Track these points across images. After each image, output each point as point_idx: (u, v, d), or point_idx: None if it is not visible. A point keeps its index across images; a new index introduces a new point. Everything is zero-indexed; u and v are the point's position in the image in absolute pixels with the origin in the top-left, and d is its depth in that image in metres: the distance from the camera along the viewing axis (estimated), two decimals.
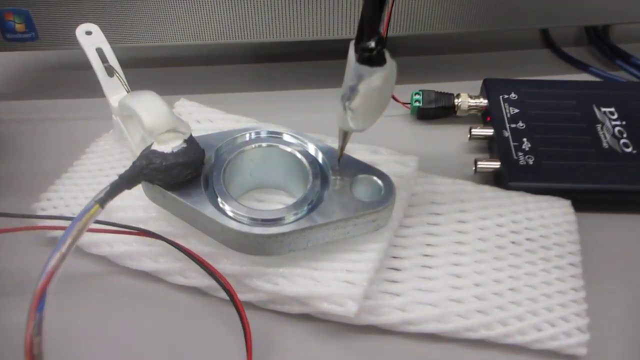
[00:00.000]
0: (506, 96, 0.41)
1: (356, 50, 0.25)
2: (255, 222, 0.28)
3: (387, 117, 0.44)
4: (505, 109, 0.40)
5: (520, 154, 0.37)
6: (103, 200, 0.25)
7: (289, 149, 0.32)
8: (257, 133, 0.32)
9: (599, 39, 0.51)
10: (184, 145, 0.29)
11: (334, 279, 0.29)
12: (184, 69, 0.50)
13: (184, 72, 0.49)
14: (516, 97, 0.41)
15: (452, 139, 0.42)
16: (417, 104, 0.42)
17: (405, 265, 0.31)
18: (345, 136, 0.29)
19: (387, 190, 0.30)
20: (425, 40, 0.52)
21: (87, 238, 0.33)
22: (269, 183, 0.34)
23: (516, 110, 0.40)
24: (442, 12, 0.43)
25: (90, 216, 0.25)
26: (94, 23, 0.35)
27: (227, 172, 0.31)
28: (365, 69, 0.25)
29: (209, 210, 0.28)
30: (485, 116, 0.42)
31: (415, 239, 0.32)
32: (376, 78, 0.25)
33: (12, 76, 0.49)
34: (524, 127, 0.39)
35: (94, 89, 0.35)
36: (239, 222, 0.28)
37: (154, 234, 0.30)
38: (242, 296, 0.30)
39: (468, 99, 0.42)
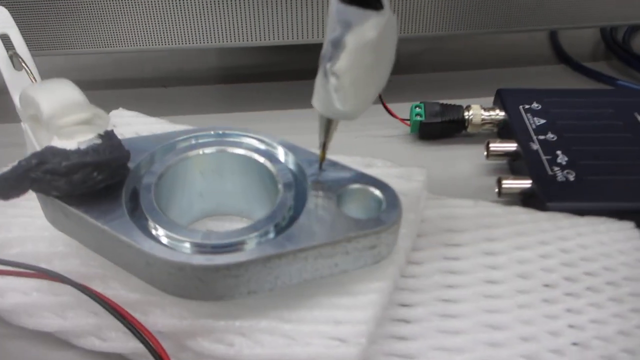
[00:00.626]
0: (527, 106, 0.33)
1: None
2: (198, 248, 0.19)
3: (381, 138, 0.35)
4: (528, 119, 0.32)
5: (556, 169, 0.28)
6: None
7: (251, 155, 0.23)
8: (209, 135, 0.24)
9: (621, 49, 0.44)
10: (97, 140, 0.20)
11: (316, 335, 0.19)
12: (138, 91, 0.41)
13: (138, 93, 0.41)
14: (539, 107, 0.33)
15: (462, 160, 0.33)
16: (418, 118, 0.34)
17: (418, 316, 0.22)
18: (328, 127, 0.21)
19: (391, 204, 0.21)
20: (425, 55, 0.45)
21: None
22: (226, 206, 0.25)
23: (542, 121, 0.32)
24: (447, 12, 0.36)
25: None
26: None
27: (163, 186, 0.22)
28: (354, 11, 0.17)
29: (128, 234, 0.19)
30: (502, 131, 0.34)
31: (430, 279, 0.23)
32: (370, 27, 0.17)
33: None
34: (555, 138, 0.31)
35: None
36: (173, 249, 0.19)
37: (57, 275, 0.21)
38: None
39: (481, 110, 0.34)
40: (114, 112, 0.30)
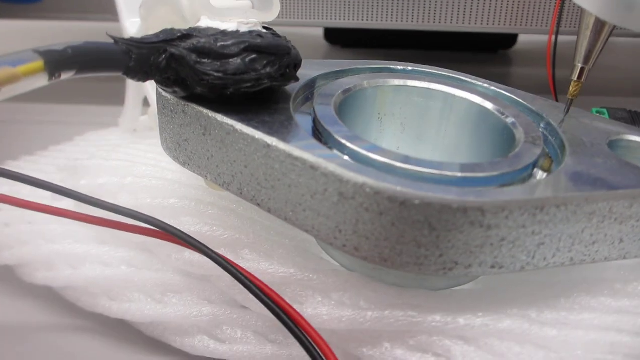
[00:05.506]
0: None
1: None
2: (424, 179, 0.12)
3: None
4: None
5: None
6: (58, 60, 0.10)
7: (468, 95, 0.16)
8: (398, 69, 0.17)
9: None
10: (260, 29, 0.13)
11: (597, 344, 0.11)
12: None
13: None
14: None
15: None
16: None
17: None
18: (597, 38, 0.14)
19: None
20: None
21: (34, 250, 0.16)
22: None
23: None
24: None
25: (10, 76, 0.09)
26: None
27: (347, 110, 0.15)
28: None
29: (311, 150, 0.12)
30: None
31: None
32: None
33: None
34: None
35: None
36: (383, 178, 0.11)
37: (183, 236, 0.14)
38: None
39: None
40: None
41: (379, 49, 0.38)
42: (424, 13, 0.28)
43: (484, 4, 0.27)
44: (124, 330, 0.16)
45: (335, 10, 0.28)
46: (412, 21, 0.28)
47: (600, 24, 0.14)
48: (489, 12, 0.27)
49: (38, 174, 0.15)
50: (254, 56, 0.13)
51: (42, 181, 0.15)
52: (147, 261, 0.16)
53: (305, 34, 0.38)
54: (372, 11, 0.28)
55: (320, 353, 0.12)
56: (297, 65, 0.14)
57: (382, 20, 0.28)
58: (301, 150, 0.12)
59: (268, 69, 0.13)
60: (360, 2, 0.27)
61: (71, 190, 0.15)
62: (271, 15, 0.14)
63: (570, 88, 0.15)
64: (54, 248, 0.16)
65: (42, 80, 0.10)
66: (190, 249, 0.14)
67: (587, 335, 0.12)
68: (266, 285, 0.13)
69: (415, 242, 0.11)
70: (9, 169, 0.14)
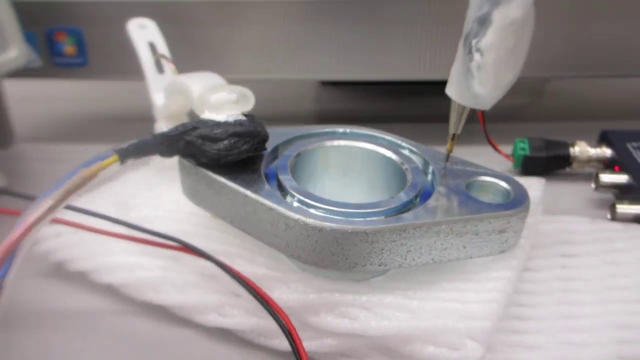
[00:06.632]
0: (636, 144, 0.33)
1: None
2: (334, 215, 0.20)
3: None
4: (637, 155, 0.32)
5: None
6: (124, 153, 0.18)
7: (378, 149, 0.24)
8: (339, 132, 0.25)
9: None
10: (242, 117, 0.21)
11: (443, 312, 0.19)
12: None
13: None
14: None
15: (567, 195, 0.33)
16: (522, 152, 0.34)
17: (540, 314, 0.21)
18: (460, 117, 0.22)
19: (519, 193, 0.21)
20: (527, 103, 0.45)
21: (97, 261, 0.25)
22: (350, 194, 0.25)
23: None
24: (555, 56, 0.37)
25: (102, 166, 0.17)
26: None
27: (296, 168, 0.23)
28: None
29: (269, 200, 0.20)
30: (607, 169, 0.34)
31: (549, 285, 0.23)
32: (516, 5, 0.18)
33: (46, 120, 0.45)
34: None
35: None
36: (310, 216, 0.19)
37: (198, 250, 0.22)
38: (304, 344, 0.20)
39: (588, 148, 0.34)
40: None
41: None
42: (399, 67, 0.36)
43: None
44: (162, 312, 0.24)
45: (326, 66, 0.37)
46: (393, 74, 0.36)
47: (461, 106, 0.22)
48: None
49: (98, 208, 0.23)
50: (236, 139, 0.21)
51: (104, 215, 0.24)
52: (174, 267, 0.24)
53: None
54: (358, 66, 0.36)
55: (283, 321, 0.20)
56: (265, 139, 0.22)
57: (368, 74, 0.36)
58: (264, 198, 0.20)
59: (246, 146, 0.21)
60: (347, 59, 0.36)
61: (123, 220, 0.24)
62: (248, 107, 0.22)
63: (448, 146, 0.23)
64: (114, 259, 0.24)
65: (116, 166, 0.18)
66: (202, 258, 0.22)
67: (437, 305, 0.19)
68: (250, 280, 0.21)
69: (330, 252, 0.19)
70: (79, 206, 0.23)
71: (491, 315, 0.19)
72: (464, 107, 0.21)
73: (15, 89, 0.38)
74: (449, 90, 0.21)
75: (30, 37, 0.35)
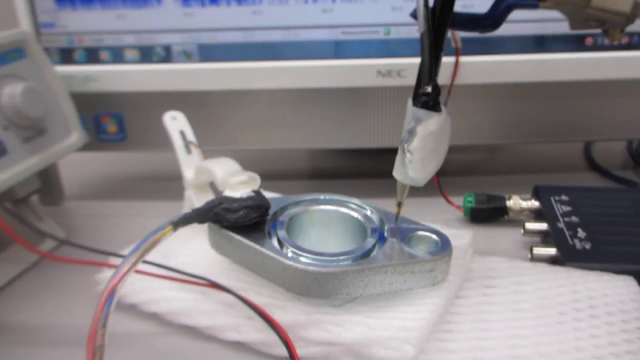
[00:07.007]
0: (557, 197, 0.42)
1: (414, 97, 0.28)
2: (315, 261, 0.29)
3: (440, 220, 0.45)
4: (557, 207, 0.41)
5: (576, 240, 0.37)
6: (176, 224, 0.27)
7: (348, 212, 0.33)
8: (319, 199, 0.35)
9: None
10: (252, 194, 0.31)
11: (390, 326, 0.28)
12: None
13: None
14: (568, 199, 0.42)
15: (504, 238, 0.42)
16: (469, 204, 0.44)
17: (461, 329, 0.30)
18: (403, 191, 0.31)
19: (444, 243, 0.30)
20: (476, 162, 0.55)
21: (145, 295, 0.34)
22: (329, 244, 0.35)
23: (568, 208, 0.41)
24: (496, 125, 0.47)
25: (163, 234, 0.26)
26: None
27: (289, 226, 0.32)
28: (422, 112, 0.27)
29: (271, 251, 0.29)
30: (536, 218, 0.43)
31: (472, 308, 0.32)
32: (432, 122, 0.28)
33: (93, 180, 0.54)
34: (578, 220, 0.39)
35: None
36: (299, 262, 0.28)
37: (221, 286, 0.31)
38: (297, 351, 0.29)
39: (520, 201, 0.43)
40: None
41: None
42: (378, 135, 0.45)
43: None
44: (194, 332, 0.33)
45: (314, 138, 0.46)
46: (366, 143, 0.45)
47: (402, 184, 0.31)
48: None
49: (148, 256, 0.33)
50: (248, 210, 0.30)
51: (152, 262, 0.33)
52: (203, 299, 0.33)
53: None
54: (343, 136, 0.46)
55: (280, 333, 0.29)
56: (268, 208, 0.31)
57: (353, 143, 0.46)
58: (268, 250, 0.29)
59: (255, 215, 0.30)
60: (330, 132, 0.45)
61: (165, 265, 0.33)
62: (256, 186, 0.31)
63: (396, 211, 0.32)
64: (158, 293, 0.34)
65: (171, 233, 0.27)
66: (224, 292, 0.31)
67: (387, 322, 0.28)
68: (259, 307, 0.30)
69: (312, 286, 0.28)
70: None
71: (422, 328, 0.28)
72: (405, 185, 0.31)
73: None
74: (394, 174, 0.30)
75: (81, 120, 0.45)
